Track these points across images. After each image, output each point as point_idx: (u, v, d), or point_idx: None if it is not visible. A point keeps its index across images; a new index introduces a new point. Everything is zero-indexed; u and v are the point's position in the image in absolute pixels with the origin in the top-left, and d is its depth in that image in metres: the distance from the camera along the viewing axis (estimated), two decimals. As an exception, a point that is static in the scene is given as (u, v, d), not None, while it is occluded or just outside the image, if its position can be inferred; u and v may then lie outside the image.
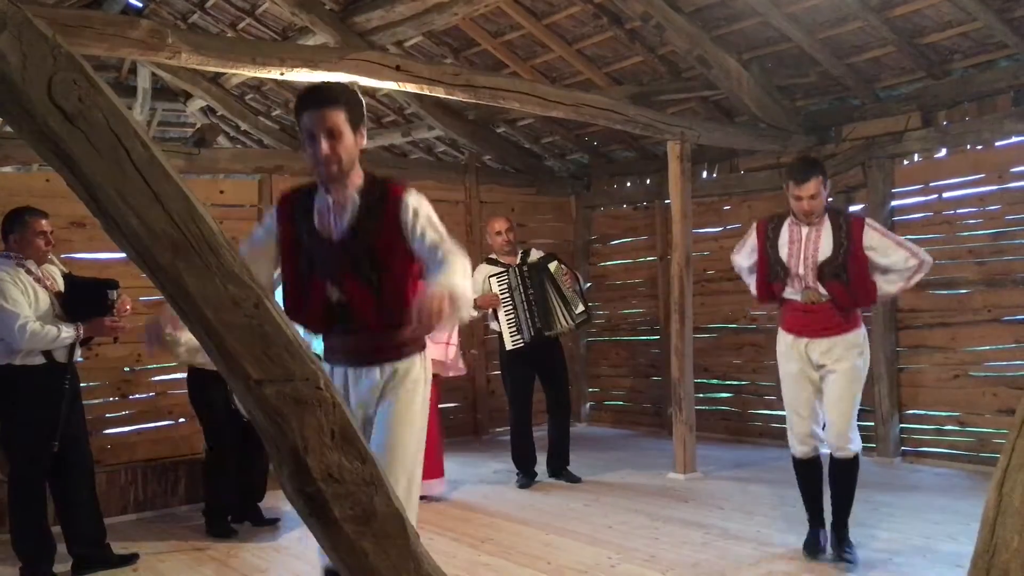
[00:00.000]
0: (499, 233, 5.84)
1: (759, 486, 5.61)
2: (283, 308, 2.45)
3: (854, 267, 3.86)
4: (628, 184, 8.31)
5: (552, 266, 5.82)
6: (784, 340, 4.06)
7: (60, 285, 4.23)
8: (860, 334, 3.97)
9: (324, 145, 2.50)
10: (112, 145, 1.56)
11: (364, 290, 2.61)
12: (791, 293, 4.00)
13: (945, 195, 6.03)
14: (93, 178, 1.56)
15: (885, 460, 6.13)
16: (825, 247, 3.88)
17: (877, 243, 3.88)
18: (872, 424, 6.30)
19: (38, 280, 4.09)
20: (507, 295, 5.74)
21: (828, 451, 4.01)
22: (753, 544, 4.35)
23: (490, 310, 5.78)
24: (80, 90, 1.53)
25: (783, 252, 3.96)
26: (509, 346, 5.76)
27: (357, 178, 2.63)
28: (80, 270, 4.78)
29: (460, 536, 4.61)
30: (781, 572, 3.95)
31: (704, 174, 7.51)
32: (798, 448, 4.05)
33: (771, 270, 4.03)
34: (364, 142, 2.64)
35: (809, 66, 6.08)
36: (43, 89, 1.50)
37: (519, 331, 5.72)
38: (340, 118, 2.51)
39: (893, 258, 3.88)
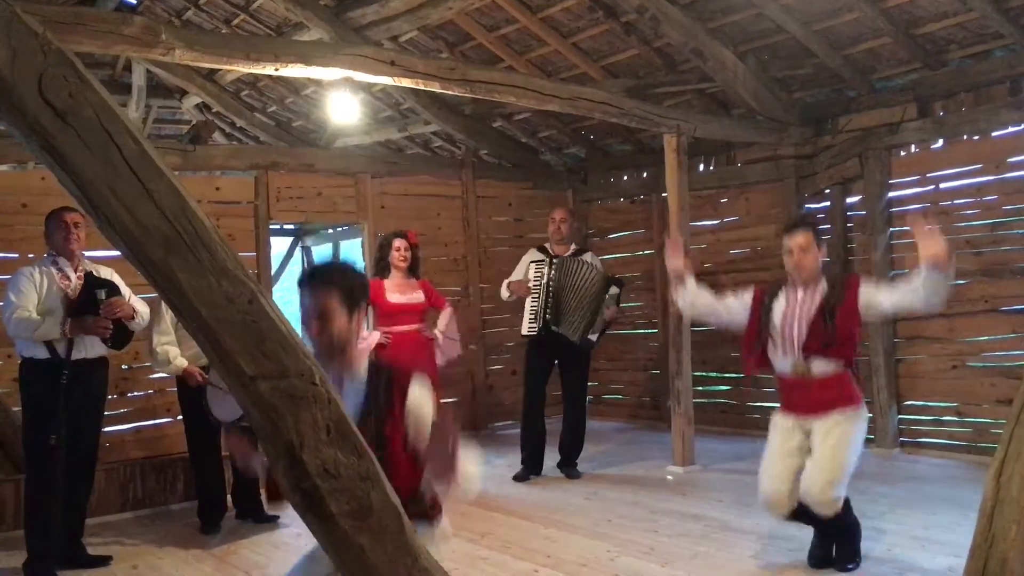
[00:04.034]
0: (552, 220, 5.96)
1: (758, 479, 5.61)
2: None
3: (843, 328, 3.63)
4: (625, 177, 8.29)
5: (613, 290, 5.74)
6: (785, 422, 3.79)
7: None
8: (861, 410, 3.77)
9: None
10: (103, 141, 1.55)
11: None
12: (782, 364, 3.79)
13: (942, 186, 6.02)
14: (84, 175, 1.55)
15: (883, 451, 6.13)
16: (816, 310, 3.68)
17: (871, 298, 3.65)
18: (870, 415, 6.29)
19: (64, 278, 4.18)
20: (539, 284, 5.76)
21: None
22: (752, 536, 4.35)
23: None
24: (71, 86, 1.52)
25: (776, 316, 3.78)
26: (524, 331, 5.85)
27: None
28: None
29: (458, 530, 4.56)
30: (779, 564, 3.96)
31: (701, 167, 7.48)
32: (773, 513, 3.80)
33: (760, 334, 3.84)
34: None
35: (805, 58, 6.07)
36: (33, 85, 1.49)
37: (536, 319, 5.77)
38: None
39: (894, 297, 3.60)
